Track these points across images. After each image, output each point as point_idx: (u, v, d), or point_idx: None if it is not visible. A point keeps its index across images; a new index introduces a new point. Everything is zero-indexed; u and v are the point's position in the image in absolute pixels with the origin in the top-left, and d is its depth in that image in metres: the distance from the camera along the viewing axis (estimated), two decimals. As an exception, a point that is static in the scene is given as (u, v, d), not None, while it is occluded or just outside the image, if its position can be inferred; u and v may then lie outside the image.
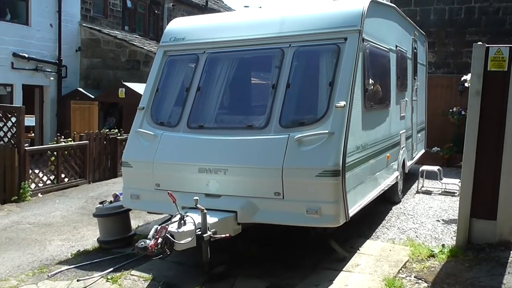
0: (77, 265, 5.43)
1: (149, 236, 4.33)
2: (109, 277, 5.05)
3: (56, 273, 5.23)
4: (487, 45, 5.37)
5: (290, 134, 4.92)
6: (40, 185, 9.29)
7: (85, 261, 5.55)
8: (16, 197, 8.55)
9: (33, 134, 14.44)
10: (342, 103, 4.89)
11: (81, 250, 5.98)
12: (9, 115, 8.83)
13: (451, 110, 11.60)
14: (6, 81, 13.28)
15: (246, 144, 5.12)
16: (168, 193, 4.58)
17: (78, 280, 4.97)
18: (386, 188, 6.67)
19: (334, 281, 4.74)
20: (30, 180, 8.94)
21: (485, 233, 5.41)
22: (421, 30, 9.99)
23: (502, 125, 5.29)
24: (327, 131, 4.81)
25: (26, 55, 13.43)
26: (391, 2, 7.67)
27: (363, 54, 5.36)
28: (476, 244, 5.43)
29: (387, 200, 7.56)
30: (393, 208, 7.56)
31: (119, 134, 11.23)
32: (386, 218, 7.00)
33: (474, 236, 5.48)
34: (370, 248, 5.67)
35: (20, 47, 13.39)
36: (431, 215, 7.23)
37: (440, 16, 13.38)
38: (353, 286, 4.64)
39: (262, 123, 5.19)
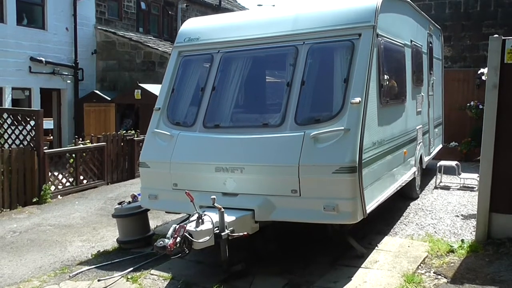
0: (98, 265, 5.52)
1: (167, 236, 4.37)
2: (129, 276, 5.11)
3: (77, 274, 5.32)
4: (503, 38, 5.30)
5: (306, 131, 4.92)
6: (60, 187, 9.44)
7: (105, 261, 5.63)
8: (37, 199, 8.71)
9: (51, 137, 14.70)
10: (358, 99, 4.87)
11: (101, 250, 6.07)
12: (28, 119, 9.00)
13: (468, 104, 11.44)
14: (24, 85, 13.53)
15: (262, 142, 5.13)
16: (186, 192, 4.61)
17: (99, 280, 5.05)
18: (403, 184, 6.62)
19: (352, 278, 4.74)
20: (49, 182, 9.09)
21: (505, 227, 5.35)
22: (436, 24, 9.88)
23: (521, 118, 5.22)
24: (343, 128, 4.80)
25: (43, 59, 13.66)
26: (405, -4, 7.58)
27: (377, 49, 5.33)
28: (496, 238, 5.37)
29: (405, 196, 7.51)
30: (411, 204, 7.51)
31: (136, 135, 11.34)
32: (404, 214, 6.95)
33: (494, 230, 5.42)
34: (388, 245, 5.64)
35: (37, 51, 13.62)
36: (450, 210, 7.15)
37: (456, 10, 13.21)
38: (372, 282, 4.63)
39: (278, 121, 5.20)
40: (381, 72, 5.49)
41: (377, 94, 5.39)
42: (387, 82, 5.78)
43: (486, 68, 5.57)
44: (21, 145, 8.93)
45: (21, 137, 9.01)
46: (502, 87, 5.29)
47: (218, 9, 20.75)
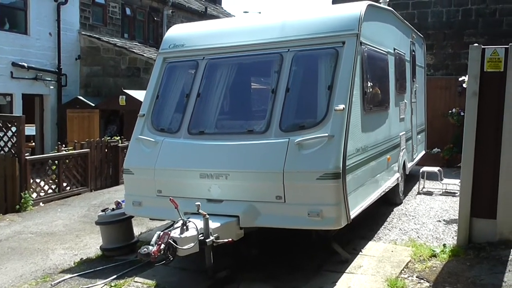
0: (80, 273, 5.45)
1: (151, 242, 4.34)
2: (112, 284, 5.07)
3: (59, 282, 5.25)
4: (483, 47, 5.42)
5: (290, 138, 4.95)
6: (42, 194, 9.31)
7: (88, 269, 5.57)
8: (18, 207, 8.56)
9: (33, 143, 14.48)
10: (341, 106, 4.92)
11: (84, 258, 6.00)
12: (9, 125, 8.86)
13: (450, 111, 11.63)
14: (6, 90, 13.33)
15: (246, 148, 5.15)
16: (170, 199, 4.60)
17: (81, 288, 5.00)
18: (387, 190, 6.70)
19: (337, 283, 4.76)
20: (31, 189, 8.96)
21: (486, 232, 5.44)
22: (419, 33, 10.04)
23: (499, 125, 5.33)
24: (327, 134, 4.84)
25: (26, 64, 13.49)
26: (388, 5, 7.71)
27: (361, 57, 5.40)
28: (477, 243, 5.46)
29: (388, 202, 7.59)
30: (395, 209, 7.59)
31: (120, 142, 11.26)
32: (387, 220, 7.02)
33: (475, 235, 5.51)
34: (372, 250, 5.69)
35: (20, 57, 13.45)
36: (432, 215, 7.25)
37: (438, 19, 13.47)
38: (356, 287, 4.65)
39: (263, 128, 5.23)
40: (364, 80, 5.56)
41: (361, 101, 5.45)
42: (371, 89, 5.86)
43: (467, 76, 5.68)
44: (2, 152, 8.79)
45: (2, 143, 8.86)
46: (482, 94, 5.39)
47: (204, 15, 20.77)
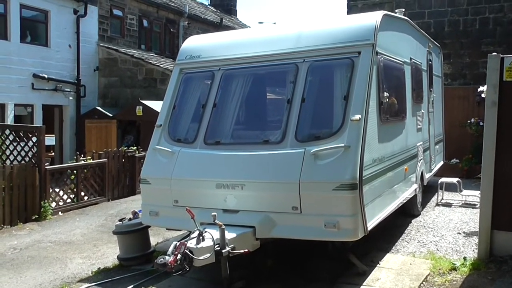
0: (98, 282, 5.49)
1: (168, 253, 4.35)
2: (129, 293, 5.09)
3: (77, 291, 5.30)
4: (501, 56, 5.35)
5: (306, 148, 4.94)
6: (61, 203, 9.43)
7: (105, 278, 5.60)
8: (37, 216, 8.69)
9: (53, 153, 14.72)
10: (358, 117, 4.90)
11: (102, 267, 6.04)
12: (30, 135, 9.03)
13: (469, 121, 11.47)
14: (27, 101, 13.62)
15: (262, 159, 5.15)
16: (187, 209, 4.60)
17: (99, 297, 5.03)
18: (405, 201, 6.61)
19: (354, 296, 4.70)
20: (50, 198, 9.09)
21: (507, 245, 5.33)
22: (435, 42, 9.97)
23: (520, 135, 5.24)
24: (343, 145, 4.82)
25: (46, 76, 13.78)
26: (404, 15, 7.68)
27: (377, 67, 5.38)
28: (499, 256, 5.35)
29: (406, 213, 7.49)
30: (413, 221, 7.48)
31: (137, 152, 11.37)
32: (405, 231, 6.92)
33: (496, 248, 5.40)
34: (390, 262, 5.61)
35: (40, 68, 13.74)
36: (452, 227, 7.13)
37: (455, 28, 13.37)
38: (374, 300, 4.59)
39: (278, 138, 5.23)
40: (381, 90, 5.53)
41: (377, 111, 5.42)
42: (387, 99, 5.82)
43: (486, 86, 5.61)
44: (23, 161, 8.95)
45: (23, 153, 9.03)
46: (501, 104, 5.32)
47: (219, 26, 20.95)
